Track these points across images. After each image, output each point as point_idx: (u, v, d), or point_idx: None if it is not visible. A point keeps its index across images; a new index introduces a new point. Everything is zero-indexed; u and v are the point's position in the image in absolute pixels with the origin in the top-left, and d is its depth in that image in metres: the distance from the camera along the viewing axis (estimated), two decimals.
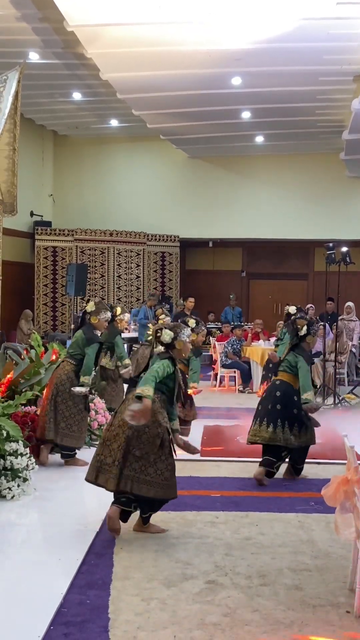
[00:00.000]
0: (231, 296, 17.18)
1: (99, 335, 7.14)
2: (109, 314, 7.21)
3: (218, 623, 3.70)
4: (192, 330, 7.75)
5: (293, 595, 4.07)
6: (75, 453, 7.05)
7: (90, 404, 7.45)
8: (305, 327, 6.61)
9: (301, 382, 6.54)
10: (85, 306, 7.21)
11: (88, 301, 7.47)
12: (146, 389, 4.77)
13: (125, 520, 5.04)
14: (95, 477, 5.02)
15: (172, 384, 5.09)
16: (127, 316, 8.78)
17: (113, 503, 4.98)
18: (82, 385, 6.81)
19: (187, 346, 5.20)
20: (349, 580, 4.18)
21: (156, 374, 4.91)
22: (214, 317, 17.31)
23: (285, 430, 6.45)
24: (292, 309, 9.38)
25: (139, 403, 4.75)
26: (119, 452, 4.90)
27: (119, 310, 8.54)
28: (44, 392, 7.17)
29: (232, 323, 15.38)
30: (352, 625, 3.70)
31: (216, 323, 16.89)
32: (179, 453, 5.31)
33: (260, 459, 6.83)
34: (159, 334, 5.15)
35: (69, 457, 7.01)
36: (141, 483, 4.87)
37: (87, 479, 5.11)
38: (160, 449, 4.93)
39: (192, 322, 7.90)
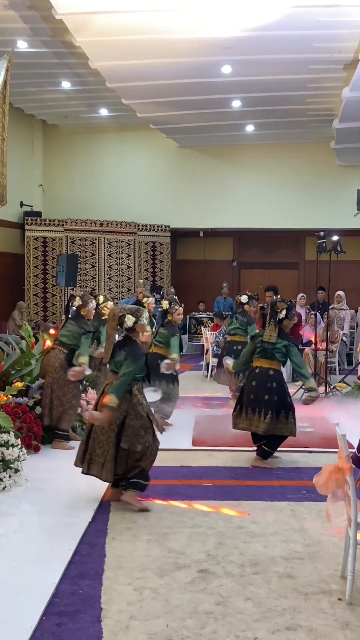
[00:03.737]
0: (224, 284, 17.13)
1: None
2: (94, 302, 7.70)
3: (211, 612, 3.71)
4: (167, 310, 8.04)
5: (285, 583, 4.08)
6: (68, 436, 7.39)
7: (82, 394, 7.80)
8: (284, 311, 6.77)
9: (301, 371, 6.92)
10: (70, 299, 7.65)
11: (72, 297, 7.74)
12: (112, 399, 5.17)
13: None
14: (87, 469, 5.41)
15: (145, 369, 5.53)
16: (110, 304, 8.84)
17: (112, 486, 5.51)
18: (79, 366, 7.16)
19: (145, 328, 5.63)
20: (340, 567, 4.20)
21: (124, 381, 5.28)
22: (204, 307, 17.27)
23: (281, 420, 6.58)
24: (243, 298, 9.56)
25: (107, 408, 5.17)
26: (108, 445, 5.26)
27: (101, 298, 8.63)
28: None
29: (224, 313, 15.35)
30: (344, 613, 3.71)
31: (207, 313, 16.87)
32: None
33: (253, 448, 6.87)
34: (122, 319, 5.44)
35: (63, 439, 7.31)
36: (136, 468, 5.30)
37: (77, 465, 5.51)
38: (144, 436, 5.27)
39: (165, 304, 8.09)
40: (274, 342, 6.69)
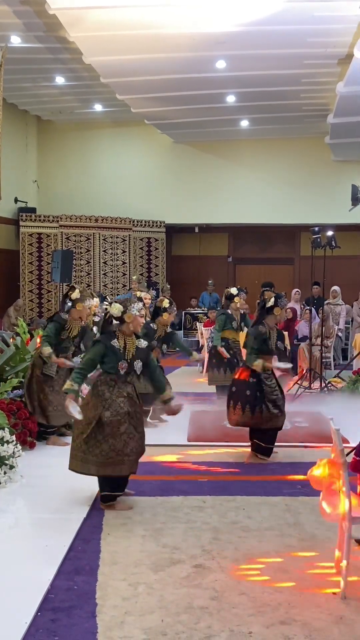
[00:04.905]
0: (210, 282, 17.17)
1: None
2: (92, 302, 7.48)
3: (205, 606, 3.71)
4: (165, 309, 7.91)
5: (280, 577, 4.09)
6: (54, 431, 7.30)
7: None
8: (272, 299, 6.68)
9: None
10: (70, 293, 7.30)
11: (72, 288, 7.44)
12: (69, 384, 5.19)
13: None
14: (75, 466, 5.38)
15: (114, 358, 5.20)
16: (96, 300, 8.73)
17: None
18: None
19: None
20: (335, 562, 4.20)
21: (81, 367, 5.27)
22: (196, 303, 17.28)
23: (265, 414, 6.58)
24: (233, 290, 9.47)
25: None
26: (75, 436, 5.29)
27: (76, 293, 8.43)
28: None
29: (208, 309, 15.39)
30: (338, 607, 3.72)
31: (202, 308, 16.87)
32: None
33: (247, 444, 6.88)
34: (108, 309, 5.27)
35: (49, 435, 7.27)
36: (89, 463, 5.17)
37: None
38: (98, 430, 5.11)
39: (165, 302, 7.99)
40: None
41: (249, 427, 6.74)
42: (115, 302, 5.31)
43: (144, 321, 5.90)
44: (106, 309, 5.35)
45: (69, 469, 5.35)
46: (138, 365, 5.29)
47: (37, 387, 7.12)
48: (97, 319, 8.06)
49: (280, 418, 6.66)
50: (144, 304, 8.44)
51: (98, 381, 5.27)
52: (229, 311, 9.42)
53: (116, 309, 5.22)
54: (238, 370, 6.93)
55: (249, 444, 6.91)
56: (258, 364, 6.55)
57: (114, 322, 5.29)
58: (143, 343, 5.36)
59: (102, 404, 5.14)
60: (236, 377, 6.82)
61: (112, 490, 5.25)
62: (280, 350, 6.86)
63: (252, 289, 14.60)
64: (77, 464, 5.26)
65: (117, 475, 5.19)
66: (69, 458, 5.35)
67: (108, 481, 5.22)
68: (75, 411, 5.18)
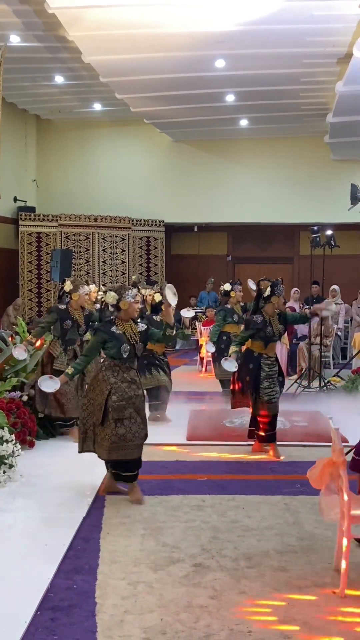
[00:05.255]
0: (211, 279, 17.17)
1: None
2: (87, 288, 7.58)
3: (205, 605, 3.71)
4: (161, 302, 7.98)
5: (279, 576, 4.09)
6: (72, 424, 7.33)
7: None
8: (268, 289, 6.68)
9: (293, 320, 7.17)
10: (63, 287, 7.51)
11: (64, 281, 7.62)
12: (69, 368, 5.74)
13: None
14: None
15: (117, 343, 5.35)
16: (92, 287, 8.71)
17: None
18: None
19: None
20: (334, 561, 4.21)
21: (84, 354, 5.67)
22: (195, 302, 17.27)
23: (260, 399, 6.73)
24: (226, 286, 9.49)
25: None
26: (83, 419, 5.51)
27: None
28: None
29: (206, 307, 15.41)
30: (337, 606, 3.72)
31: (201, 308, 16.86)
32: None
33: (246, 443, 6.89)
34: (103, 298, 5.48)
35: (67, 427, 7.37)
36: (99, 447, 5.36)
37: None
38: (104, 415, 5.28)
39: (157, 296, 8.08)
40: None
41: (251, 415, 6.84)
42: (110, 290, 5.45)
43: (140, 306, 6.02)
44: (102, 298, 5.49)
45: (80, 452, 5.51)
46: (139, 347, 5.47)
47: None
48: (98, 306, 8.17)
49: (275, 404, 6.74)
50: (145, 300, 8.50)
51: (102, 366, 5.43)
52: (228, 306, 9.48)
53: (111, 297, 5.39)
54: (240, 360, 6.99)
55: (249, 443, 6.93)
56: (231, 349, 6.98)
57: (111, 309, 5.48)
58: (142, 326, 5.52)
59: (108, 388, 5.30)
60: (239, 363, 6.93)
61: (127, 470, 5.42)
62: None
63: (239, 279, 14.66)
64: (90, 445, 5.43)
65: (124, 459, 5.34)
66: (78, 443, 5.53)
67: (119, 463, 5.39)
68: (50, 387, 5.92)
